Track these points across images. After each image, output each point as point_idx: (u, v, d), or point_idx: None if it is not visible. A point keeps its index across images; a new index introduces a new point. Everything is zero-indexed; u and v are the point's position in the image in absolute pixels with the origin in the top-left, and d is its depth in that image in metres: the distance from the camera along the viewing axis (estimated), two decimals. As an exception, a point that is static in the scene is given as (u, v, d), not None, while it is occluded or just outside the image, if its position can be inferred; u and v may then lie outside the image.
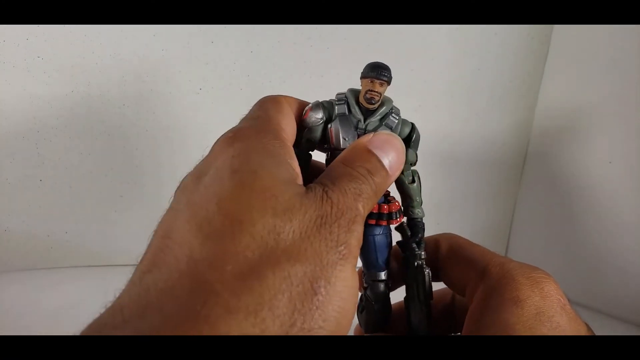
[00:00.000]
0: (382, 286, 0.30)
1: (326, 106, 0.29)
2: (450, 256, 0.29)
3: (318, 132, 0.28)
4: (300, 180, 0.22)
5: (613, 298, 0.56)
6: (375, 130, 0.28)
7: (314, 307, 0.18)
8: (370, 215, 0.28)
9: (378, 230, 0.29)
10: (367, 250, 0.29)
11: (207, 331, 0.16)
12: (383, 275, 0.30)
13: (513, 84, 0.63)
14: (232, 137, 0.23)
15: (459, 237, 0.30)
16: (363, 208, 0.22)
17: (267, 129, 0.24)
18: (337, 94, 0.29)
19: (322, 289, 0.19)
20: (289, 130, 0.26)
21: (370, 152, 0.24)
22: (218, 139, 0.23)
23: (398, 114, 0.29)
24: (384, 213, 0.28)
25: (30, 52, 0.50)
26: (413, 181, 0.30)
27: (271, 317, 0.17)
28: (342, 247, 0.20)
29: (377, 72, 0.27)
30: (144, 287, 0.18)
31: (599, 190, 0.57)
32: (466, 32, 0.59)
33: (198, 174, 0.22)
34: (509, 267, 0.25)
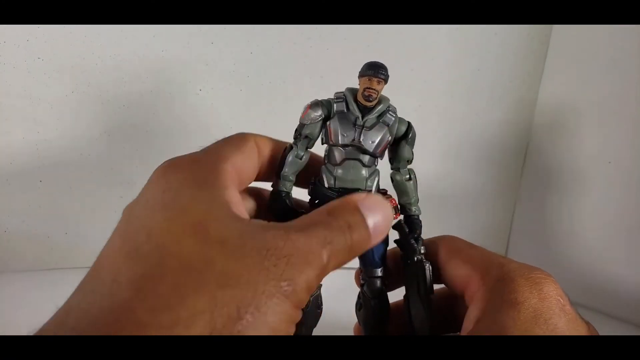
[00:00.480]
0: (378, 282, 0.30)
1: (324, 104, 0.29)
2: (450, 258, 0.29)
3: (316, 129, 0.29)
4: (237, 209, 0.22)
5: (613, 298, 0.56)
6: (373, 126, 0.29)
7: (235, 331, 0.18)
8: None
9: None
10: None
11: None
12: (379, 272, 0.30)
13: (513, 84, 0.63)
14: (166, 168, 0.23)
15: (458, 238, 0.30)
16: (327, 257, 0.21)
17: (206, 160, 0.24)
18: (336, 93, 0.30)
19: (249, 315, 0.18)
20: (243, 165, 0.25)
21: (357, 209, 0.23)
22: (157, 168, 0.24)
23: (395, 112, 0.29)
24: None
25: (30, 53, 0.50)
26: (410, 179, 0.30)
27: (185, 334, 0.17)
28: (285, 283, 0.19)
29: (375, 70, 0.28)
30: (65, 310, 0.19)
31: (598, 190, 0.57)
32: (466, 32, 0.59)
33: (133, 204, 0.23)
34: (509, 268, 0.25)
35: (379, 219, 0.23)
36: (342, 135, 0.29)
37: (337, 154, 0.29)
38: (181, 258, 0.19)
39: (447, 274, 0.29)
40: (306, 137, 0.29)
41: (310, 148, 0.30)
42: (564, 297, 0.24)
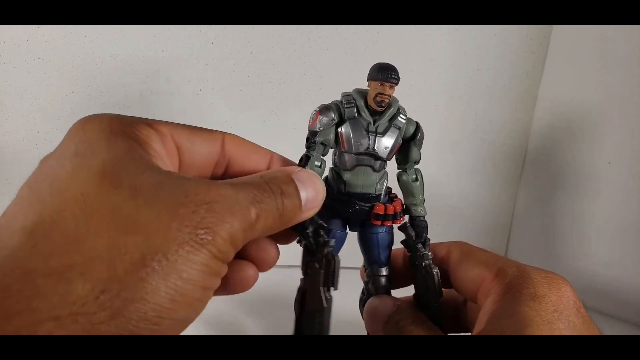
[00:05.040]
0: (383, 280, 0.31)
1: (334, 108, 0.28)
2: (463, 260, 0.29)
3: (331, 134, 0.28)
4: (162, 162, 0.21)
5: (613, 299, 0.56)
6: (385, 131, 0.28)
7: (138, 278, 0.17)
8: (376, 217, 0.29)
9: (381, 229, 0.30)
10: (370, 247, 0.30)
11: None
12: (384, 271, 0.31)
13: (512, 84, 0.63)
14: (85, 120, 0.23)
15: (470, 244, 0.31)
16: (256, 215, 0.20)
17: (135, 118, 0.24)
18: (344, 95, 0.29)
19: (155, 263, 0.17)
20: (188, 141, 0.24)
21: (291, 180, 0.23)
22: (75, 122, 0.23)
23: (405, 114, 0.29)
24: (389, 214, 0.29)
25: (30, 53, 0.50)
26: (416, 179, 0.30)
27: (80, 280, 0.17)
28: (202, 232, 0.18)
29: (387, 74, 0.26)
30: None
31: (598, 191, 0.57)
32: (466, 32, 0.59)
33: (48, 156, 0.23)
34: (525, 268, 0.26)
35: (311, 194, 0.24)
36: (356, 142, 0.28)
37: (349, 160, 0.29)
38: (84, 203, 0.18)
39: (459, 277, 0.29)
40: (321, 143, 0.28)
41: (325, 155, 0.29)
42: (579, 300, 0.25)
